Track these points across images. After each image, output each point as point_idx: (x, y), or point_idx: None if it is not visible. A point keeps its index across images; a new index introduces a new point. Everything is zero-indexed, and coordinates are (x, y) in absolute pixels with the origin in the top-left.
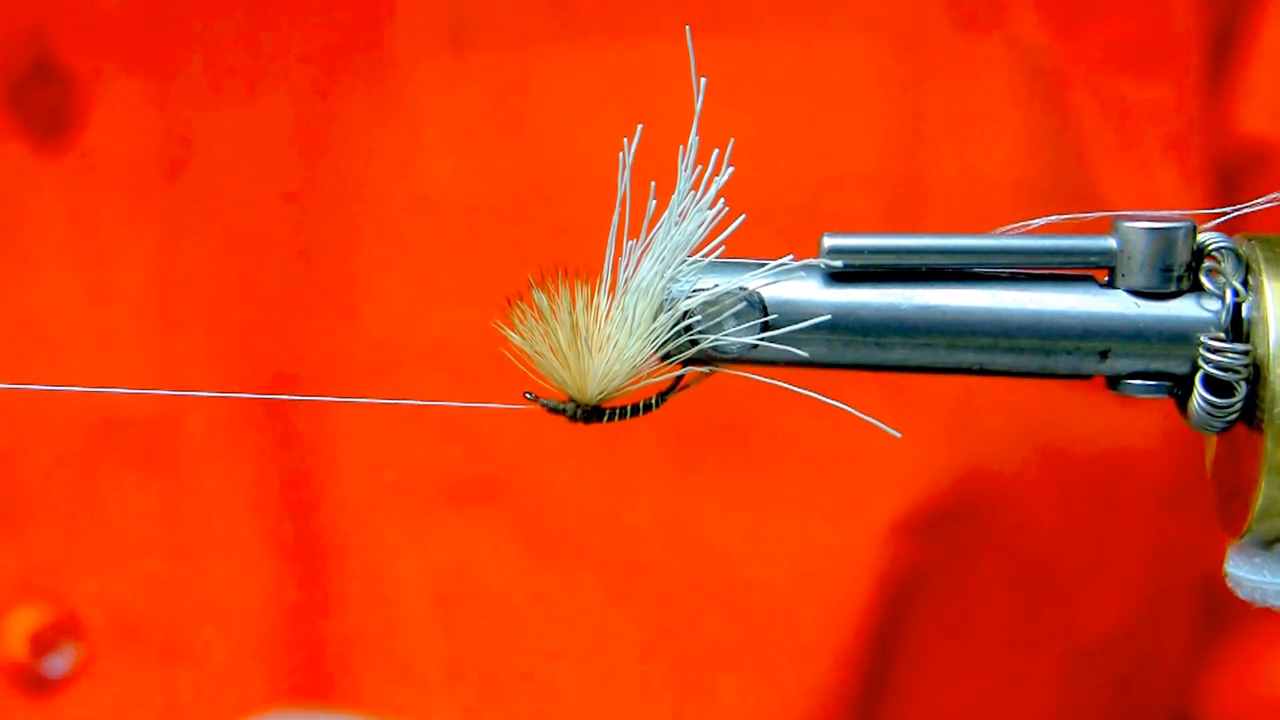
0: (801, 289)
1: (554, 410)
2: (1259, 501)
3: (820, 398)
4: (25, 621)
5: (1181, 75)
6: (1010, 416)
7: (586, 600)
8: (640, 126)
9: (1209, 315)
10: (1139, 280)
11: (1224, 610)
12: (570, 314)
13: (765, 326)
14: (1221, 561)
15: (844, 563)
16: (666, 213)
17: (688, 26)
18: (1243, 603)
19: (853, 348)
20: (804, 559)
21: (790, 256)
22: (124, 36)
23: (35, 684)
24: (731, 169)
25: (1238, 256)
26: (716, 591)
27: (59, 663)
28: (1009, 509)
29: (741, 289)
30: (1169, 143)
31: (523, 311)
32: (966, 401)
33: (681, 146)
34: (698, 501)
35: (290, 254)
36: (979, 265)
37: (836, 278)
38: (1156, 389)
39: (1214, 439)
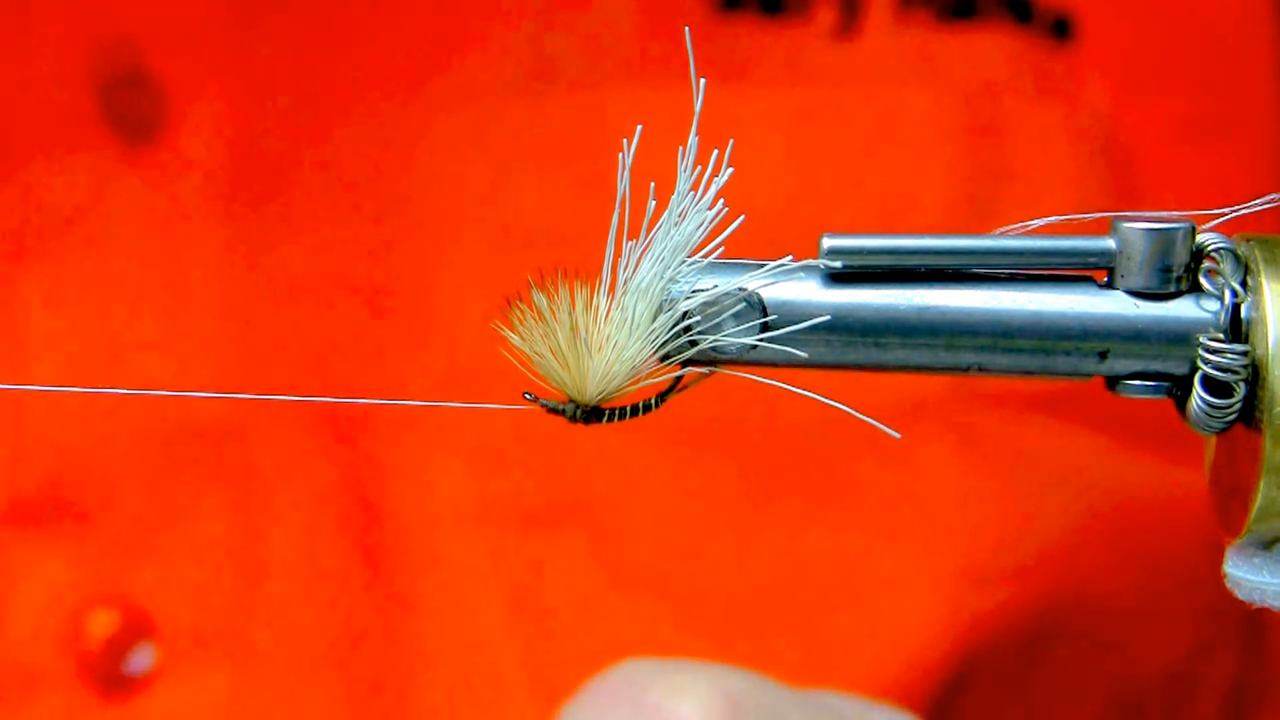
0: (801, 290)
1: (553, 411)
2: (1258, 502)
3: (819, 398)
4: (103, 623)
5: (1251, 145)
6: (1062, 475)
7: (659, 622)
8: (640, 127)
9: (1208, 316)
10: (1138, 281)
11: (1263, 650)
12: (570, 314)
13: (765, 327)
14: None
15: (910, 602)
16: (666, 213)
17: (687, 29)
18: None
19: (852, 348)
20: (871, 596)
21: (789, 257)
22: (215, 50)
23: (112, 684)
24: (731, 169)
25: (1236, 257)
26: (786, 620)
27: (140, 661)
28: (1062, 561)
29: (741, 290)
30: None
31: (522, 312)
32: (1022, 459)
33: (681, 147)
34: (772, 531)
35: (367, 276)
36: (978, 266)
37: (836, 278)
38: (1155, 389)
39: (1213, 440)
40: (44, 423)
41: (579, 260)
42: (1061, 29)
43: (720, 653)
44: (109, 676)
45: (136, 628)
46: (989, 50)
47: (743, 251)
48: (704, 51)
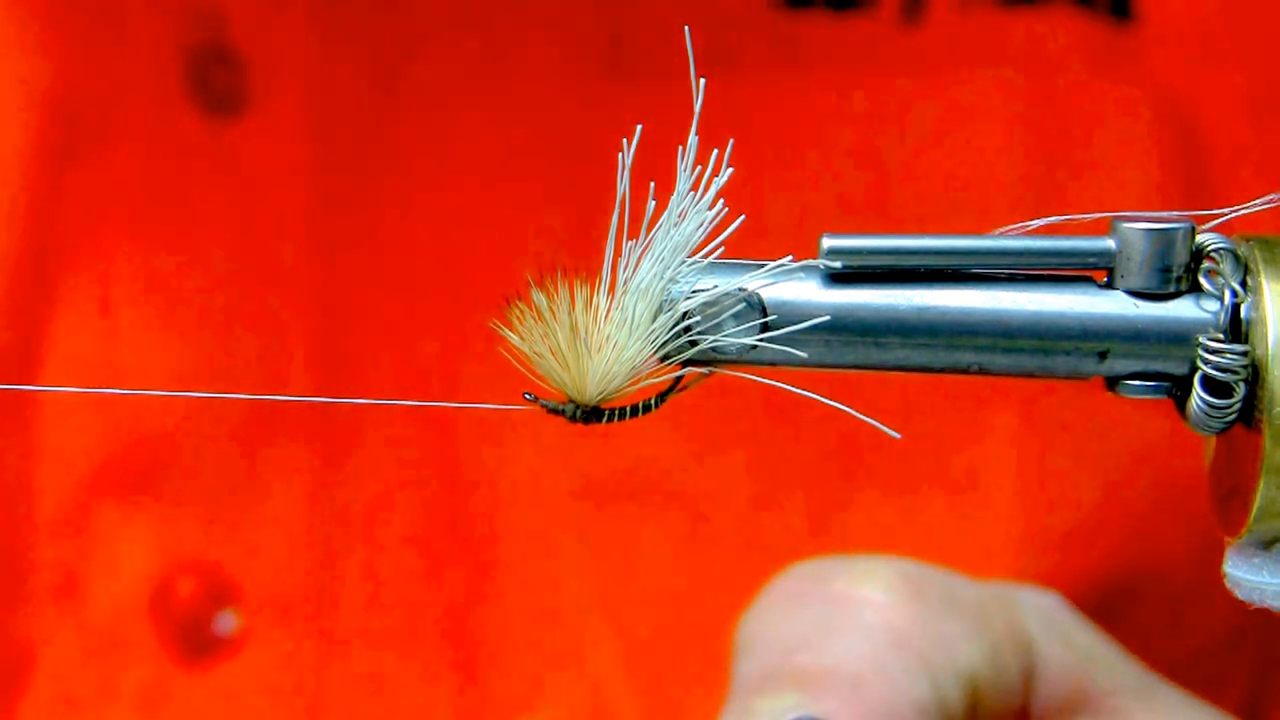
0: (801, 290)
1: (553, 411)
2: (1257, 502)
3: (819, 398)
4: (188, 589)
5: None
6: (1142, 451)
7: (744, 595)
8: (640, 127)
9: (1208, 316)
10: (1138, 281)
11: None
12: (569, 314)
13: (764, 327)
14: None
15: (984, 574)
16: (666, 213)
17: (688, 32)
18: None
19: (852, 348)
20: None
21: (789, 257)
22: (299, 27)
23: (197, 649)
24: (730, 169)
25: (1236, 257)
26: None
27: (223, 627)
28: (1135, 538)
29: (741, 290)
30: None
31: (522, 312)
32: (1104, 435)
33: (680, 147)
34: (847, 502)
35: (450, 260)
36: (978, 266)
37: (836, 278)
38: (1155, 389)
39: (1212, 439)
40: (129, 396)
41: None
42: (1121, 8)
43: None
44: (194, 642)
45: (221, 594)
46: (1052, 33)
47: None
48: (772, 49)
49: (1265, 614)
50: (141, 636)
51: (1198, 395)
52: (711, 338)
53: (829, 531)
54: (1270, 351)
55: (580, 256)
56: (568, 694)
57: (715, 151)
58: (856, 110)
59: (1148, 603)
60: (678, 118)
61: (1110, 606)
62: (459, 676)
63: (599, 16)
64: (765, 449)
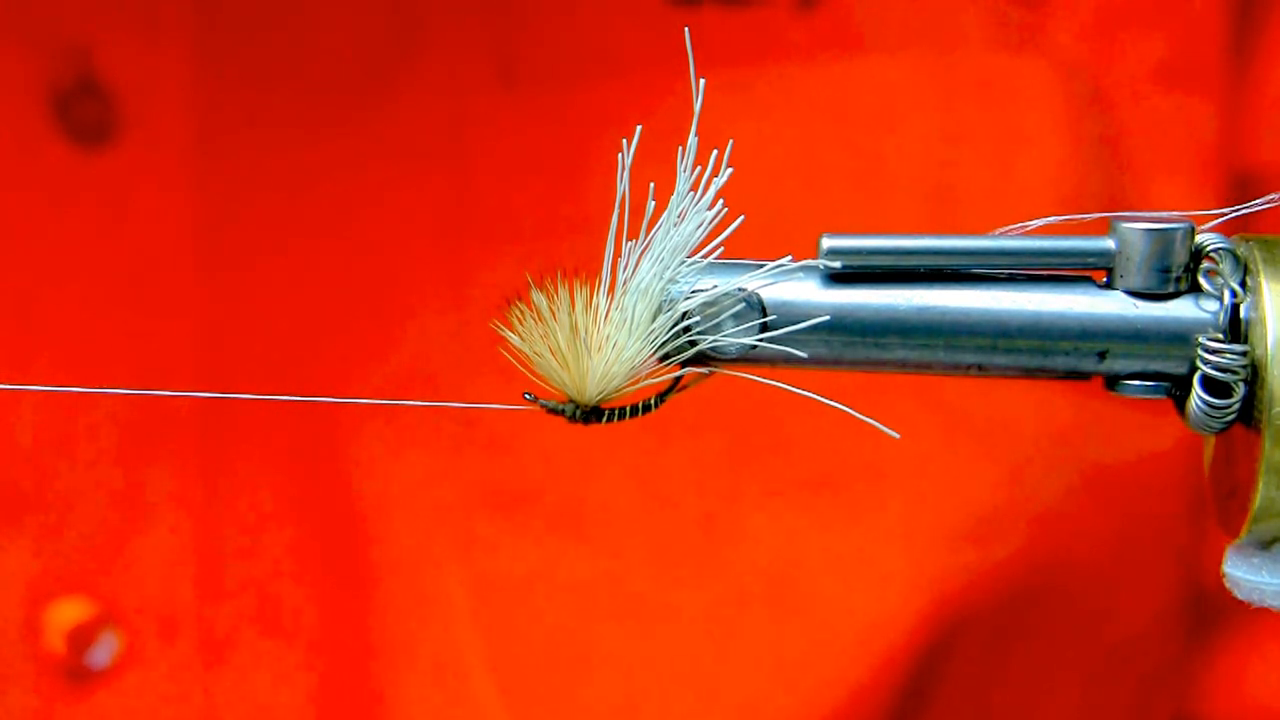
0: (800, 290)
1: (553, 411)
2: (1257, 502)
3: (819, 398)
4: (66, 615)
5: (1214, 90)
6: (1049, 439)
7: (627, 600)
8: (639, 127)
9: (1207, 316)
10: (1137, 281)
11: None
12: (569, 315)
13: (764, 327)
14: (1214, 563)
15: (890, 572)
16: (665, 214)
17: (687, 29)
18: (1235, 606)
19: (851, 348)
20: (847, 566)
21: (789, 257)
22: (170, 55)
23: (77, 676)
24: (730, 169)
25: (1236, 257)
26: (758, 593)
27: (102, 654)
28: (1046, 526)
29: (740, 290)
30: (1204, 157)
31: (522, 312)
32: (1007, 425)
33: (680, 147)
34: (744, 506)
35: (331, 278)
36: (977, 266)
37: (835, 278)
38: (1155, 389)
39: (1212, 439)
40: (5, 417)
41: (544, 261)
42: None
43: (698, 632)
44: (74, 668)
45: (101, 619)
46: (957, 7)
47: (733, 244)
48: (664, 47)
49: (1188, 601)
50: (23, 661)
51: (1197, 395)
52: (711, 338)
53: (721, 535)
54: (1270, 351)
55: (478, 275)
56: (448, 707)
57: (715, 152)
58: (760, 101)
59: (1066, 594)
60: (573, 126)
61: (1023, 599)
62: (342, 693)
63: (490, 28)
64: (653, 455)
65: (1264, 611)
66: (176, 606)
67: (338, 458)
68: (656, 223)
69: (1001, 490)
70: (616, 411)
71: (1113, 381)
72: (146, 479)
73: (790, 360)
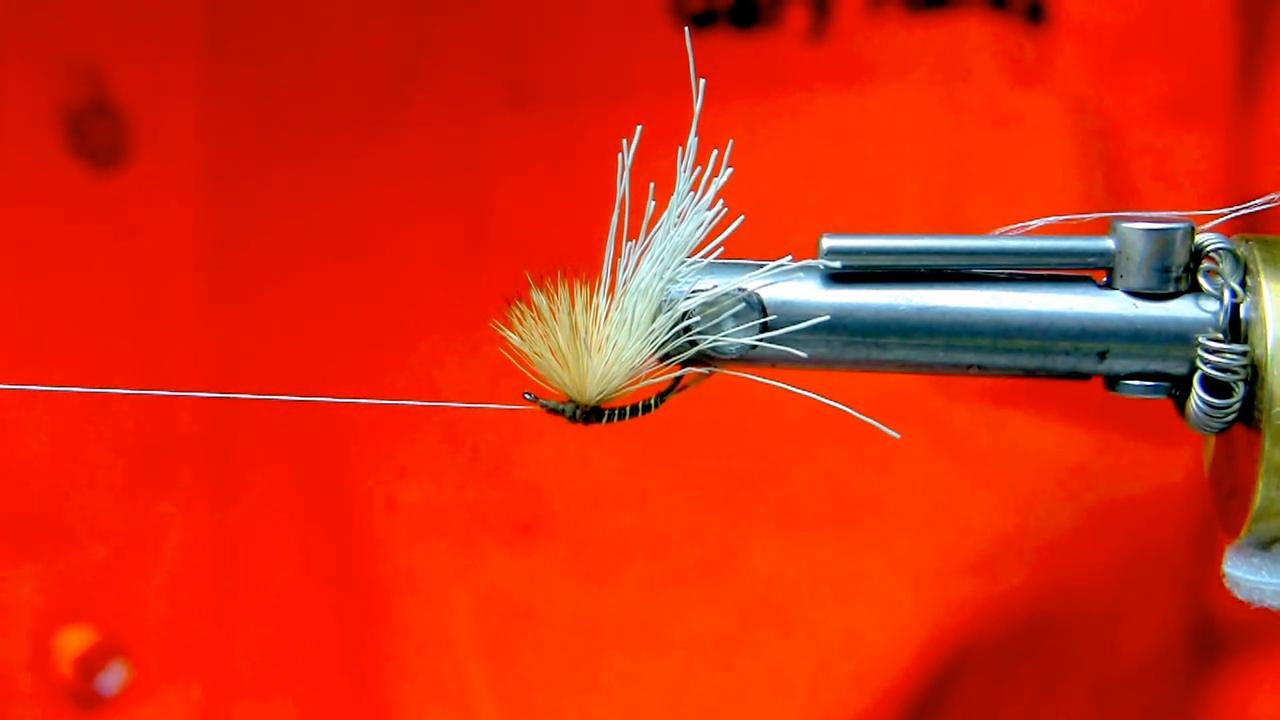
0: (800, 290)
1: (553, 411)
2: (1257, 502)
3: (818, 398)
4: (74, 642)
5: (1220, 125)
6: (1055, 470)
7: (631, 626)
8: (639, 127)
9: (1207, 316)
10: (1137, 281)
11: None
12: (569, 315)
13: (764, 327)
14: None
15: (894, 599)
16: (665, 214)
17: (688, 36)
18: (1240, 639)
19: (851, 348)
20: (855, 593)
21: (789, 257)
22: (182, 76)
23: (85, 703)
24: (730, 170)
25: (1236, 257)
26: (763, 622)
27: (110, 681)
28: (1051, 557)
29: (740, 290)
30: (1209, 191)
31: (522, 312)
32: (1013, 456)
33: (680, 148)
34: (748, 535)
35: (343, 296)
36: (977, 266)
37: (835, 278)
38: (1155, 389)
39: (1212, 440)
40: (12, 441)
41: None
42: (1035, 11)
43: (701, 660)
44: (81, 695)
45: (108, 646)
46: (964, 37)
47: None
48: (674, 70)
49: (1192, 634)
50: (29, 689)
51: (1197, 395)
52: (711, 338)
53: (725, 563)
54: (1270, 352)
55: (488, 296)
56: None
57: (715, 152)
58: (768, 129)
59: (1071, 625)
60: (582, 146)
61: (1028, 630)
62: (350, 716)
63: (500, 50)
64: (659, 483)
65: (1269, 643)
66: (185, 633)
67: (345, 486)
68: (656, 223)
69: (1007, 521)
70: (616, 411)
71: (1113, 382)
72: (155, 506)
73: (790, 360)
